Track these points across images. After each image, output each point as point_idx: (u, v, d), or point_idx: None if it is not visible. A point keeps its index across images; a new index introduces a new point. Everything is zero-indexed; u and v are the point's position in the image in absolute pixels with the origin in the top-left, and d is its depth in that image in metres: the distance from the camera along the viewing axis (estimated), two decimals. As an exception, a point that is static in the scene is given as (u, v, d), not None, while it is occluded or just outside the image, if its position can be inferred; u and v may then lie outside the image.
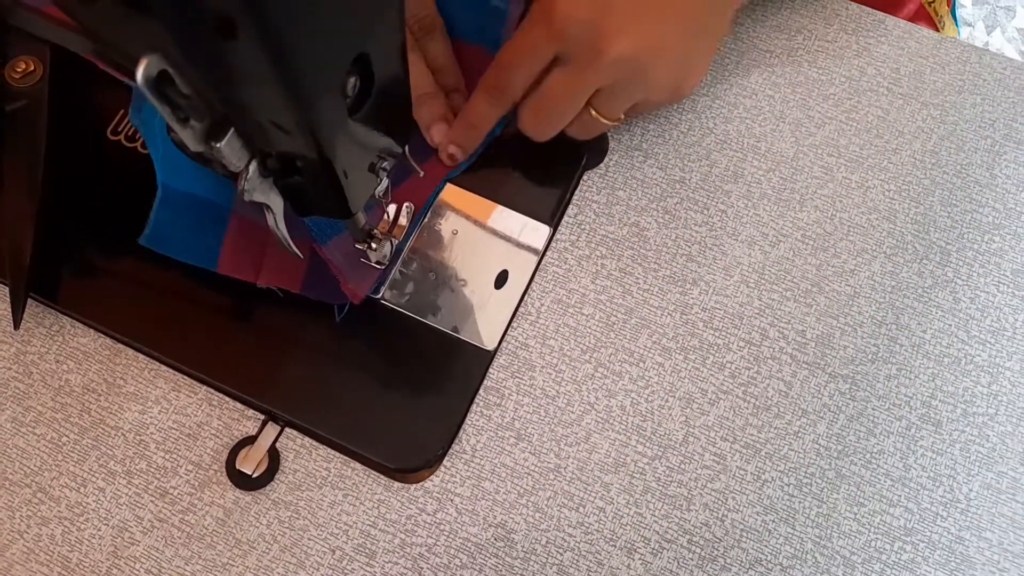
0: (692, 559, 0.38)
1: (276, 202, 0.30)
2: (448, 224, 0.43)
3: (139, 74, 0.20)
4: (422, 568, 0.37)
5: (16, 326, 0.40)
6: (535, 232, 0.43)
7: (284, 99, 0.23)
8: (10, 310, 0.40)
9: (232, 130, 0.25)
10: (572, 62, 0.38)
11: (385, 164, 0.33)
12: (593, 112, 0.40)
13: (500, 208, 0.43)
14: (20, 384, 0.41)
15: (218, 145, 0.24)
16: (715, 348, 0.41)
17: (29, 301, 0.41)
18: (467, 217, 0.43)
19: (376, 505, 0.38)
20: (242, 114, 0.24)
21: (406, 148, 0.34)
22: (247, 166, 0.27)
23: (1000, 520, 0.38)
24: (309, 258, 0.40)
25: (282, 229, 0.31)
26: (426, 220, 0.43)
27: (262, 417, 0.40)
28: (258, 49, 0.21)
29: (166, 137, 0.37)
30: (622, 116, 0.41)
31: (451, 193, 0.44)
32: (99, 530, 0.38)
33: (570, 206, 0.44)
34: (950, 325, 0.42)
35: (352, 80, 0.26)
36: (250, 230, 0.41)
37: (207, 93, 0.23)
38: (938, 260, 0.43)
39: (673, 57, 0.39)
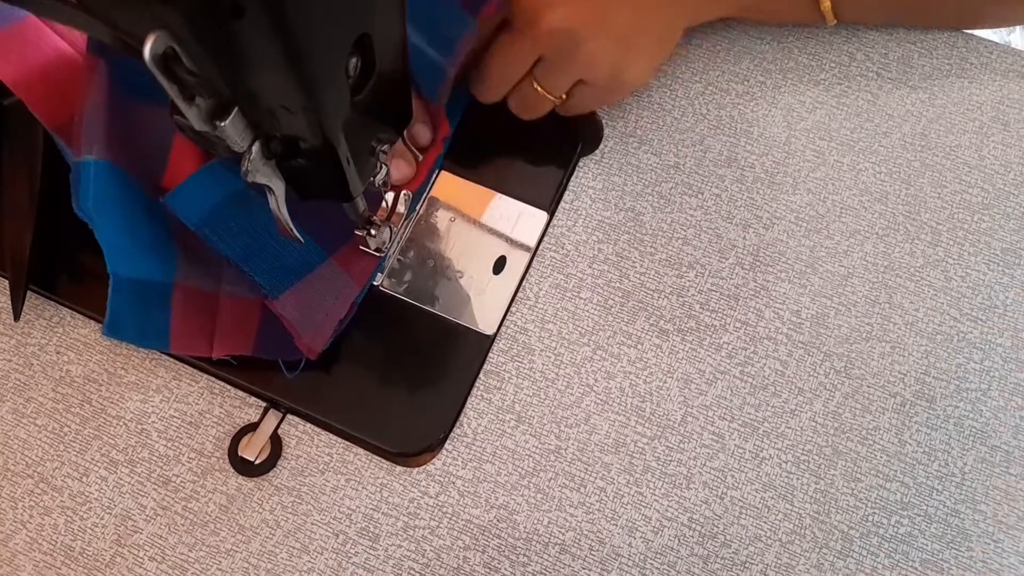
0: (692, 536, 0.38)
1: (278, 185, 0.30)
2: (446, 212, 0.43)
3: (146, 51, 0.21)
4: (425, 550, 0.38)
5: (16, 318, 0.40)
6: (532, 218, 0.43)
7: (290, 79, 0.24)
8: (10, 302, 0.40)
9: (236, 109, 0.25)
10: (513, 27, 0.39)
11: (384, 148, 0.33)
12: (535, 85, 0.40)
13: (497, 195, 0.44)
14: (21, 375, 0.41)
15: (222, 124, 0.25)
16: (712, 329, 0.42)
17: (29, 293, 0.41)
18: (464, 205, 0.44)
19: (379, 489, 0.39)
20: (250, 97, 0.25)
21: (404, 133, 0.35)
22: (250, 147, 0.27)
23: (994, 493, 0.39)
24: (260, 318, 0.40)
25: (283, 212, 0.31)
26: (424, 208, 0.43)
27: (264, 404, 0.40)
28: (265, 26, 0.21)
29: (116, 227, 0.37)
30: (563, 96, 0.41)
31: (448, 181, 0.44)
32: (102, 519, 0.38)
33: (566, 192, 0.44)
34: (942, 303, 0.42)
35: (354, 60, 0.26)
36: (196, 300, 0.40)
37: (214, 78, 0.23)
38: (929, 240, 0.44)
39: (613, 37, 0.38)
